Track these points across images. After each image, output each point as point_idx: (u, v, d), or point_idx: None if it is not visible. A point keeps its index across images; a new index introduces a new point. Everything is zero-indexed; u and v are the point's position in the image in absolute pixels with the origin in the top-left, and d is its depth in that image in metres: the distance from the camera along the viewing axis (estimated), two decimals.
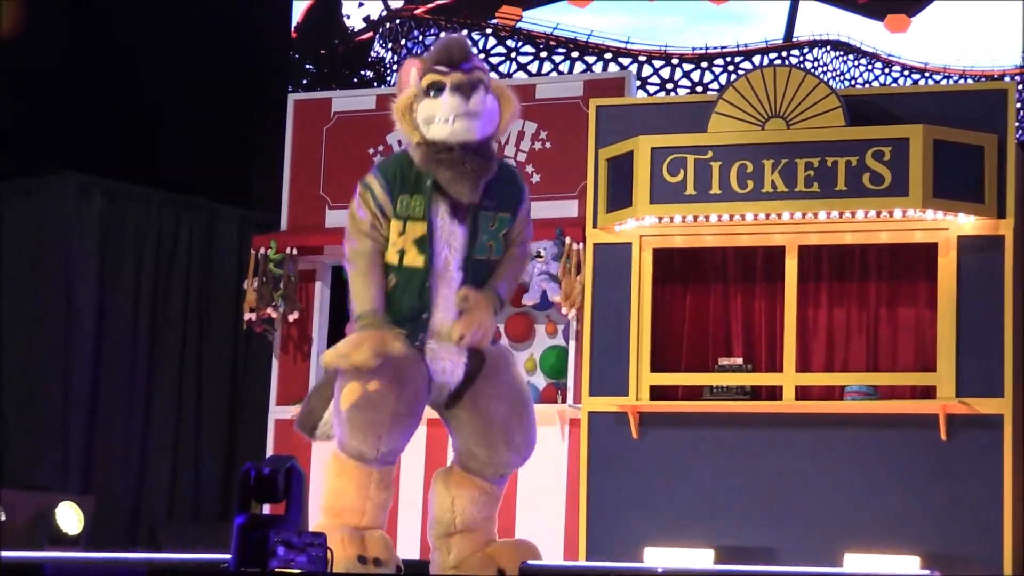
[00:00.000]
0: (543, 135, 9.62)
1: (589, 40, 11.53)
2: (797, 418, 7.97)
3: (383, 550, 6.01)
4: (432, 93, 6.10)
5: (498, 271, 6.25)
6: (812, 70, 9.43)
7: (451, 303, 6.14)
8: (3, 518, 9.19)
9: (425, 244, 6.09)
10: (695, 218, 8.04)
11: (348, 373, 6.09)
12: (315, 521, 6.17)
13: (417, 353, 6.12)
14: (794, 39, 11.24)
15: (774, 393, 8.09)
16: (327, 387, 6.22)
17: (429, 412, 6.31)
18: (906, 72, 10.88)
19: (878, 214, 7.84)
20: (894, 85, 10.54)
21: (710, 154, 7.97)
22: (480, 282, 6.18)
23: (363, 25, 12.30)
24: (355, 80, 12.67)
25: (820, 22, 11.11)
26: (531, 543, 6.35)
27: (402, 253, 6.09)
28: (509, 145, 9.52)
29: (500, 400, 6.21)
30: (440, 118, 6.07)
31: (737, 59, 11.28)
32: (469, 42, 6.27)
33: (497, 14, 11.74)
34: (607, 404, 8.18)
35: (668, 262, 8.31)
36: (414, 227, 6.11)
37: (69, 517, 9.49)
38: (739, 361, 8.19)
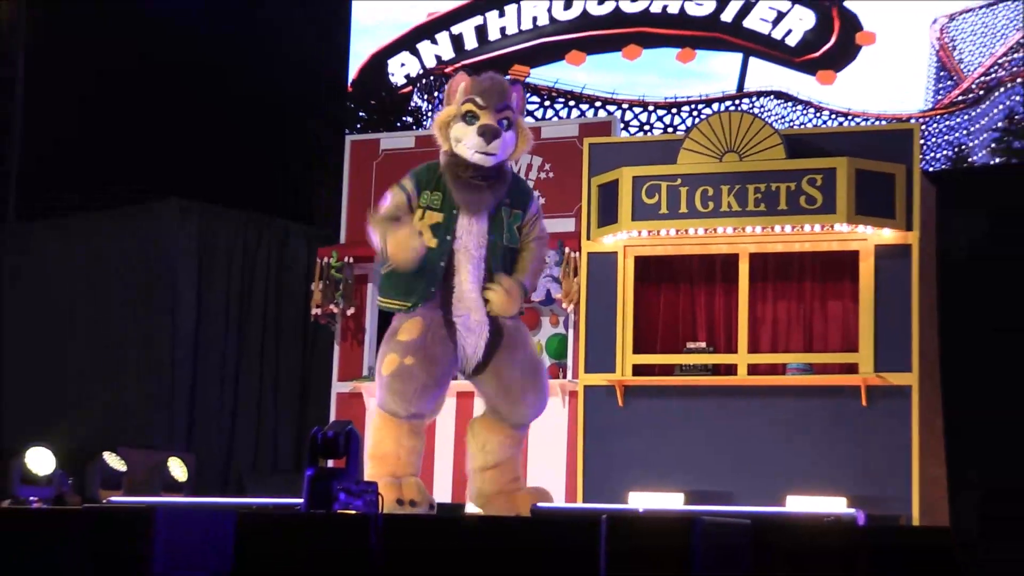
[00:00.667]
0: (547, 167, 9.64)
1: (583, 92, 11.57)
2: (749, 389, 7.98)
3: (417, 493, 6.01)
4: (467, 118, 6.15)
5: (521, 265, 6.29)
6: (759, 115, 9.43)
7: (475, 279, 6.16)
8: (125, 470, 9.26)
9: (439, 230, 6.12)
10: (667, 232, 8.05)
11: (390, 343, 6.14)
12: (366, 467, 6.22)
13: (447, 335, 6.15)
14: (745, 90, 11.27)
15: (731, 370, 8.09)
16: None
17: (461, 385, 6.32)
18: (833, 116, 10.89)
19: (812, 228, 7.86)
20: (824, 126, 10.56)
21: (679, 181, 7.97)
22: (506, 267, 6.22)
23: (404, 81, 12.34)
24: (398, 124, 12.69)
25: (765, 77, 11.15)
26: (546, 490, 6.39)
27: (420, 233, 6.11)
28: (520, 175, 9.53)
29: (516, 367, 6.22)
30: (466, 144, 6.13)
31: (700, 106, 11.31)
32: (508, 83, 6.25)
33: (510, 71, 11.80)
34: (599, 379, 8.18)
35: (646, 267, 8.29)
36: (432, 215, 6.15)
37: (177, 469, 9.56)
38: (703, 345, 8.18)
